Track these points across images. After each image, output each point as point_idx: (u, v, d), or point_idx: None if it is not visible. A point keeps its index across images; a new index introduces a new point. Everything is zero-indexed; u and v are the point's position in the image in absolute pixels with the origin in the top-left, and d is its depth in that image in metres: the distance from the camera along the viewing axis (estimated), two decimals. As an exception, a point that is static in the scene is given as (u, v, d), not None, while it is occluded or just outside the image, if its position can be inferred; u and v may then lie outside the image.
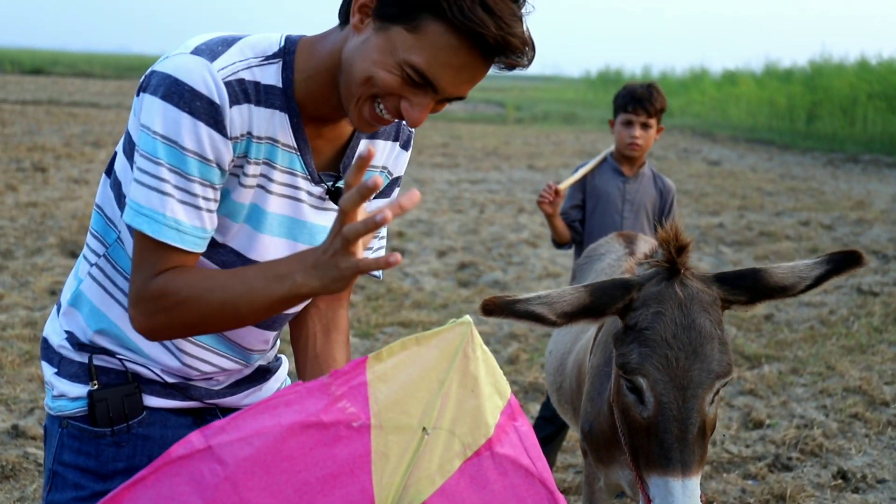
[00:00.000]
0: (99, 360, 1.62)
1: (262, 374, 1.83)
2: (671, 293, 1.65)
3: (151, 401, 1.64)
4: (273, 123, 1.50)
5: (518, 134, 21.14)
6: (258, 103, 1.47)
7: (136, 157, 1.43)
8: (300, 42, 1.53)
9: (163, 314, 1.45)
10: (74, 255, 7.07)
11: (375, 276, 1.79)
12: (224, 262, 1.56)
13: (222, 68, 1.43)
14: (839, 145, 18.59)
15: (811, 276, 1.71)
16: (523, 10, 1.39)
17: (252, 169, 1.50)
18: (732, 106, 25.85)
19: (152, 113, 1.41)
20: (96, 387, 1.60)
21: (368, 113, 1.46)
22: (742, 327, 5.77)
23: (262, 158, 1.51)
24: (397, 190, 1.79)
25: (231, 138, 1.44)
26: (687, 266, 1.70)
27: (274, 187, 1.54)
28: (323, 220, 1.62)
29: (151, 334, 1.50)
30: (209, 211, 1.46)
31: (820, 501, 3.49)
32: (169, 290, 1.44)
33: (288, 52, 1.52)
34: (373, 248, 1.81)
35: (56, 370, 1.65)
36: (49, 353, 1.67)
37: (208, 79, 1.41)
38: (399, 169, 1.74)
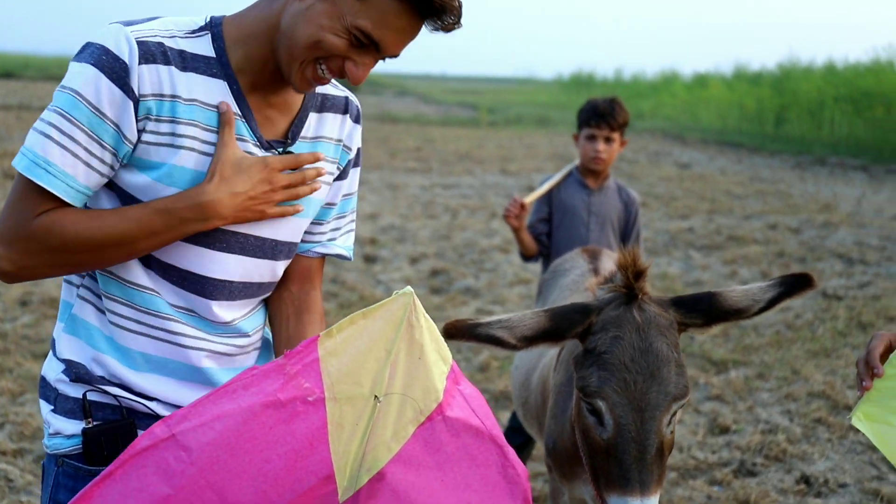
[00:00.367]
0: (94, 396, 1.61)
1: None
2: (629, 317, 1.70)
3: None
4: (211, 90, 1.55)
5: (491, 137, 21.23)
6: (186, 69, 1.53)
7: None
8: (225, 18, 1.62)
9: (47, 254, 1.48)
10: (45, 264, 7.04)
11: (346, 258, 1.84)
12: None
13: (137, 31, 1.50)
14: (807, 148, 18.84)
15: (764, 299, 1.76)
16: None
17: (186, 130, 1.54)
18: (703, 109, 26.11)
19: (67, 72, 1.50)
20: (91, 424, 1.59)
21: (311, 74, 1.53)
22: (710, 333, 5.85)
23: (197, 121, 1.54)
24: (357, 170, 1.84)
25: (140, 96, 1.48)
26: (644, 291, 1.76)
27: (213, 150, 1.57)
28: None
29: (24, 272, 1.51)
30: (88, 165, 1.49)
31: (783, 506, 3.57)
32: (54, 230, 1.47)
33: (214, 25, 1.59)
34: (341, 227, 1.84)
35: (52, 407, 1.64)
36: (46, 390, 1.66)
37: (120, 37, 1.48)
38: (355, 143, 1.80)
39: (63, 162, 1.46)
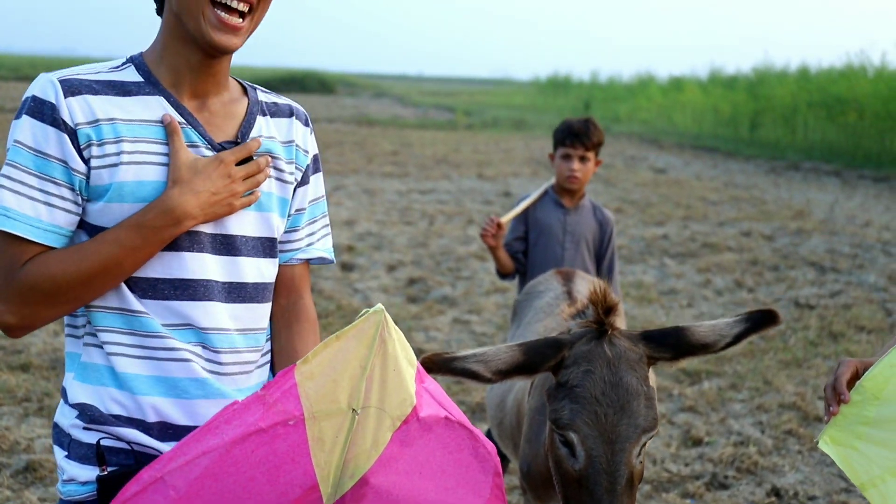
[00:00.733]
0: (108, 441, 1.63)
1: None
2: (600, 352, 1.76)
3: None
4: (150, 106, 1.63)
5: (468, 141, 21.29)
6: (118, 95, 1.62)
7: None
8: (142, 53, 1.72)
9: (41, 297, 1.54)
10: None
11: (328, 261, 1.90)
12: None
13: (61, 73, 1.60)
14: (781, 153, 19.05)
15: (731, 335, 1.82)
16: None
17: (131, 147, 1.60)
18: (678, 113, 26.31)
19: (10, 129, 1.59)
20: (105, 471, 1.61)
21: (212, 16, 1.60)
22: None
23: (142, 137, 1.61)
24: (320, 175, 1.89)
25: (75, 125, 1.56)
26: (614, 326, 1.81)
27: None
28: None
29: (26, 320, 1.57)
30: (49, 204, 1.56)
31: (754, 519, 3.63)
32: (42, 274, 1.53)
33: (135, 58, 1.70)
34: (316, 232, 1.89)
35: (66, 453, 1.66)
36: (60, 436, 1.68)
37: (45, 83, 1.57)
38: (311, 146, 1.86)
39: (20, 205, 1.54)
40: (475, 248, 8.68)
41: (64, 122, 1.55)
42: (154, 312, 1.64)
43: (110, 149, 1.58)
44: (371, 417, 1.55)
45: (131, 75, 1.65)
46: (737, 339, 1.83)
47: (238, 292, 1.71)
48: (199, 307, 1.66)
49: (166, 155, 1.62)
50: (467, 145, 19.98)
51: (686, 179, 14.99)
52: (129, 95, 1.62)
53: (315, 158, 1.87)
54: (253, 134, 1.73)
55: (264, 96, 1.82)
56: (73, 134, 1.55)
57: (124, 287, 1.63)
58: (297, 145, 1.81)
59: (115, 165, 1.58)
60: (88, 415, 1.64)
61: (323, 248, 1.89)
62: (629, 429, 1.70)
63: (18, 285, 1.54)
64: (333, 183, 12.56)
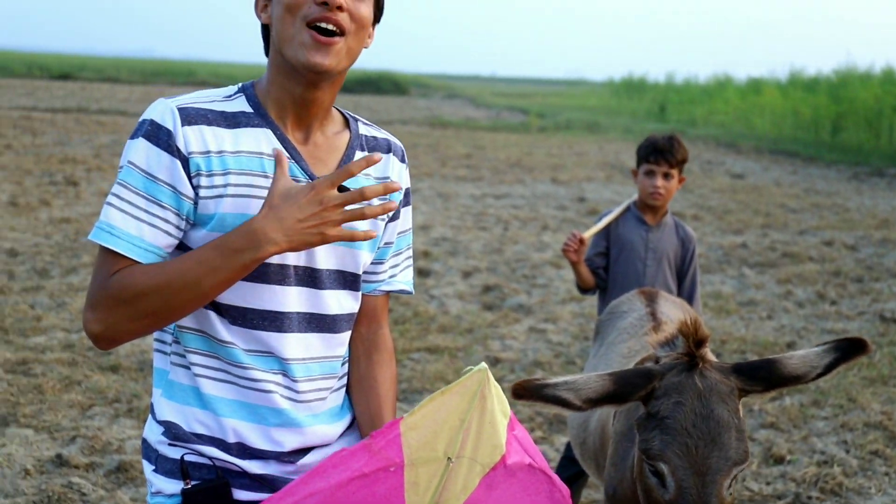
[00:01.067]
0: (191, 457, 1.72)
1: None
2: (691, 384, 1.77)
3: (241, 494, 1.74)
4: (257, 139, 1.69)
5: (541, 143, 21.23)
6: (230, 126, 1.68)
7: None
8: (253, 82, 1.78)
9: (123, 307, 1.59)
10: (108, 274, 7.24)
11: (408, 293, 1.96)
12: (256, 274, 1.70)
13: (178, 101, 1.67)
14: (864, 158, 18.55)
15: (821, 365, 1.81)
16: None
17: (237, 179, 1.66)
18: (756, 116, 25.80)
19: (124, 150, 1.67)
20: (189, 485, 1.70)
21: (307, 35, 1.64)
22: (764, 356, 5.84)
23: (248, 170, 1.67)
24: (409, 208, 1.94)
25: (188, 154, 1.62)
26: (706, 359, 1.81)
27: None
28: None
29: (110, 331, 1.61)
30: (153, 226, 1.62)
31: (838, 541, 3.57)
32: (126, 283, 1.59)
33: (246, 88, 1.76)
34: (399, 264, 1.94)
35: (154, 467, 1.75)
36: (148, 451, 1.78)
37: (163, 108, 1.64)
38: (406, 181, 1.91)
39: (125, 224, 1.61)
40: (550, 255, 8.67)
41: (178, 149, 1.62)
42: (240, 340, 1.71)
43: (218, 180, 1.64)
44: (464, 466, 1.65)
45: (242, 105, 1.72)
46: (827, 369, 1.82)
47: (319, 323, 1.78)
48: (283, 338, 1.73)
49: (266, 188, 1.68)
50: (540, 148, 19.92)
51: (765, 185, 14.72)
52: (239, 127, 1.68)
53: (407, 192, 1.92)
54: None
55: (365, 129, 1.86)
56: (185, 161, 1.62)
57: (213, 313, 1.70)
58: (392, 181, 1.83)
59: (221, 197, 1.65)
60: (173, 432, 1.74)
61: (404, 280, 1.95)
62: (720, 461, 1.71)
63: (105, 293, 1.61)
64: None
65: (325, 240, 1.61)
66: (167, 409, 1.75)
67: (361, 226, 1.77)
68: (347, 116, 1.86)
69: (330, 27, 1.64)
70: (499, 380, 5.17)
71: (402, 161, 1.90)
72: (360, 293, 1.85)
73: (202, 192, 1.65)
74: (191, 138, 1.63)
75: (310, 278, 1.75)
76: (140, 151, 1.62)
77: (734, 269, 8.38)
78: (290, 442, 1.76)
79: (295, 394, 1.76)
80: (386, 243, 1.89)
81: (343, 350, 1.85)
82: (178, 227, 1.66)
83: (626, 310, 2.92)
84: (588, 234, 3.60)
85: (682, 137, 5.68)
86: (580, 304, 6.96)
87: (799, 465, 4.21)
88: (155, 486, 1.76)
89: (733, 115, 27.32)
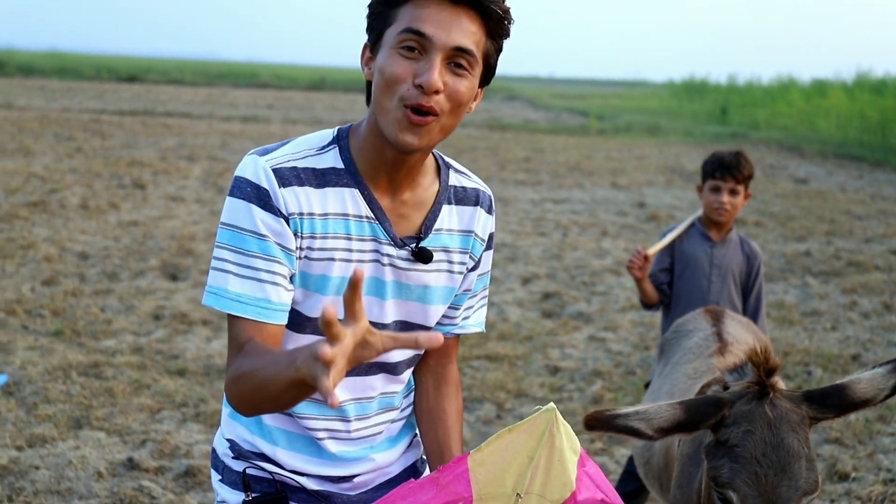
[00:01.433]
0: (252, 471, 1.82)
1: (411, 474, 1.98)
2: (761, 413, 1.78)
3: None
4: (343, 200, 1.69)
5: (600, 147, 21.11)
6: (320, 186, 1.68)
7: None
8: (350, 128, 1.76)
9: (234, 386, 1.61)
10: (175, 277, 7.43)
11: (479, 333, 1.98)
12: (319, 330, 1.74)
13: (271, 159, 1.66)
14: (934, 163, 18.10)
15: (888, 387, 1.82)
16: None
17: (321, 243, 1.68)
18: (821, 118, 25.31)
19: (223, 210, 1.67)
20: (250, 497, 1.80)
21: (403, 115, 1.60)
22: (829, 368, 5.76)
23: (332, 233, 1.68)
24: (490, 252, 1.93)
25: (287, 215, 1.64)
26: (776, 387, 1.82)
27: (353, 255, 1.71)
28: (411, 280, 1.78)
29: (234, 406, 1.63)
30: (274, 283, 1.64)
31: (905, 563, 3.52)
32: (239, 363, 1.62)
33: (341, 138, 1.73)
34: (474, 306, 1.96)
35: (220, 477, 1.87)
36: (216, 461, 1.89)
37: (258, 169, 1.64)
38: (490, 229, 1.90)
39: (248, 288, 1.62)
40: (610, 262, 8.64)
41: (279, 209, 1.63)
42: None
43: (304, 242, 1.67)
44: (532, 502, 1.67)
45: (333, 160, 1.71)
46: (894, 390, 1.82)
47: (380, 367, 1.83)
48: (344, 382, 1.78)
49: (350, 251, 1.70)
50: (600, 151, 19.82)
51: (829, 191, 14.45)
52: (328, 186, 1.68)
53: (490, 237, 1.90)
54: (437, 226, 1.77)
55: (455, 178, 1.84)
56: (286, 219, 1.65)
57: None
58: (475, 235, 1.86)
59: (306, 259, 1.68)
60: (237, 449, 1.83)
61: (476, 322, 1.97)
62: (790, 490, 1.72)
63: (229, 367, 1.63)
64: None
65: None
66: (231, 430, 1.86)
67: (434, 283, 1.80)
68: (440, 163, 1.84)
69: (426, 107, 1.60)
70: (558, 390, 5.21)
71: (490, 212, 1.89)
72: None
73: (306, 259, 1.69)
74: (288, 200, 1.64)
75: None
76: (242, 212, 1.63)
77: (797, 278, 8.26)
78: (345, 472, 1.84)
79: (349, 433, 1.82)
80: (464, 290, 1.90)
81: (402, 385, 1.89)
82: (292, 280, 1.68)
83: (692, 329, 2.92)
84: (652, 251, 3.60)
85: (744, 141, 5.51)
86: (640, 312, 6.93)
87: (864, 483, 4.15)
88: (220, 496, 1.86)
89: (797, 118, 26.83)
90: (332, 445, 1.81)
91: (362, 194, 1.71)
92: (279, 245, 1.65)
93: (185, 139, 18.01)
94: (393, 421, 1.90)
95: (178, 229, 9.24)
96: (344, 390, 1.78)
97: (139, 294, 6.88)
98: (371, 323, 1.74)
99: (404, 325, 1.81)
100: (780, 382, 1.86)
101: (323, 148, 1.72)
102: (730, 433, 1.78)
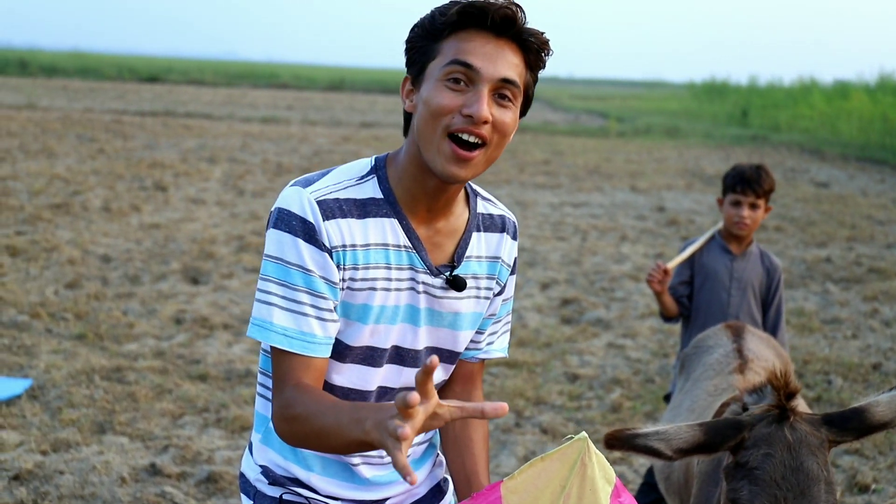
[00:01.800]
0: (289, 496, 1.83)
1: (436, 493, 2.01)
2: (780, 436, 1.79)
3: None
4: (383, 230, 1.72)
5: (620, 149, 21.07)
6: (360, 216, 1.70)
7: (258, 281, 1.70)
8: (388, 157, 1.78)
9: (286, 423, 1.64)
10: (196, 281, 7.49)
11: (502, 357, 2.00)
12: (364, 358, 1.77)
13: (315, 191, 1.68)
14: (957, 167, 17.95)
15: None
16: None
17: (363, 273, 1.71)
18: (843, 121, 25.15)
19: (267, 241, 1.69)
20: None
21: (449, 147, 1.63)
22: (849, 377, 5.75)
23: (373, 263, 1.71)
24: (514, 277, 1.96)
25: (331, 248, 1.66)
26: (796, 411, 1.83)
27: (392, 284, 1.74)
28: (443, 307, 1.81)
29: (285, 439, 1.67)
30: (319, 318, 1.66)
31: (925, 577, 3.52)
32: (291, 402, 1.64)
33: (379, 167, 1.76)
34: (498, 331, 1.99)
35: (252, 502, 1.88)
36: (246, 486, 1.90)
37: (303, 202, 1.66)
38: (512, 257, 1.93)
39: (294, 322, 1.65)
40: (629, 268, 8.64)
41: (323, 243, 1.66)
42: None
43: (347, 274, 1.70)
44: None
45: (373, 190, 1.73)
46: None
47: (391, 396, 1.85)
48: None
49: (390, 279, 1.73)
50: (619, 154, 19.79)
51: (851, 195, 14.37)
52: (369, 217, 1.71)
53: (514, 262, 1.94)
54: (468, 253, 1.81)
55: (482, 207, 1.88)
56: (329, 253, 1.67)
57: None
58: (502, 261, 1.89)
59: (349, 289, 1.71)
60: (271, 476, 1.84)
61: (500, 347, 2.00)
62: (809, 514, 1.73)
63: (279, 402, 1.66)
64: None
65: None
66: (264, 455, 1.87)
67: (465, 309, 1.83)
68: (469, 191, 1.87)
69: (472, 139, 1.63)
70: (577, 397, 5.23)
71: (514, 238, 1.92)
72: (454, 365, 1.91)
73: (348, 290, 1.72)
74: (332, 232, 1.66)
75: (412, 359, 1.82)
76: (288, 245, 1.65)
77: (817, 285, 8.23)
78: (377, 496, 1.88)
79: (381, 458, 1.85)
80: (490, 315, 1.93)
81: None
82: (336, 312, 1.71)
83: (712, 344, 2.93)
84: (672, 265, 3.62)
85: (765, 143, 5.49)
86: (659, 319, 6.92)
87: (884, 495, 4.15)
88: None
89: (818, 121, 26.68)
90: (366, 471, 1.84)
91: (401, 224, 1.73)
92: (324, 279, 1.67)
93: (206, 140, 18.13)
94: (419, 444, 1.94)
95: (199, 232, 9.31)
96: None
97: (161, 298, 6.94)
98: (404, 350, 1.78)
99: (434, 351, 1.84)
100: (800, 405, 1.87)
101: (362, 178, 1.75)
102: (749, 456, 1.80)
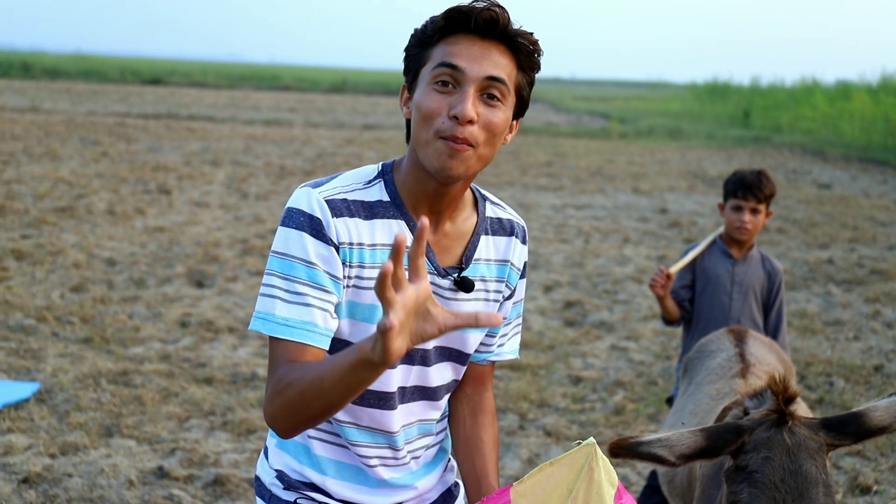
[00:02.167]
0: (304, 501, 1.87)
1: (447, 498, 2.05)
2: (780, 440, 1.83)
3: None
4: (390, 231, 1.76)
5: (622, 151, 21.11)
6: (368, 217, 1.74)
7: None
8: (394, 163, 1.83)
9: (278, 397, 1.64)
10: (201, 285, 7.53)
11: (513, 360, 2.03)
12: None
13: (324, 191, 1.73)
14: (959, 167, 17.97)
15: None
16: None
17: (370, 273, 1.74)
18: (845, 122, 25.17)
19: (275, 238, 1.74)
20: None
21: (440, 143, 1.66)
22: (851, 379, 5.78)
23: (380, 263, 1.74)
24: (524, 280, 1.99)
25: (338, 244, 1.70)
26: (794, 416, 1.87)
27: None
28: (450, 308, 1.84)
29: (274, 422, 1.65)
30: (322, 309, 1.69)
31: (926, 578, 3.55)
32: (283, 374, 1.65)
33: (386, 172, 1.80)
34: (508, 333, 2.02)
35: None
36: (262, 490, 1.94)
37: (312, 200, 1.71)
38: (522, 261, 1.96)
39: (297, 313, 1.68)
40: (632, 270, 8.68)
41: (331, 238, 1.70)
42: (355, 416, 1.83)
43: (353, 272, 1.73)
44: None
45: (379, 193, 1.77)
46: None
47: (422, 393, 1.89)
48: (392, 415, 1.84)
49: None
50: (622, 156, 19.82)
51: (853, 196, 14.39)
52: (376, 218, 1.75)
53: (524, 266, 1.97)
54: (476, 256, 1.85)
55: (491, 211, 1.91)
56: (337, 248, 1.71)
57: None
58: (511, 264, 1.93)
59: (353, 288, 1.74)
60: (286, 480, 1.88)
61: (510, 349, 2.03)
62: (807, 516, 1.77)
63: (271, 382, 1.67)
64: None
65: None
66: (279, 459, 1.91)
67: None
68: (477, 195, 1.91)
69: (462, 137, 1.66)
70: (581, 400, 5.26)
71: (524, 242, 1.96)
72: (464, 366, 1.94)
73: (353, 288, 1.76)
74: (340, 230, 1.71)
75: (421, 358, 1.85)
76: (294, 241, 1.69)
77: (819, 287, 8.26)
78: (391, 499, 1.91)
79: (396, 461, 1.89)
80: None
81: (439, 412, 1.95)
82: (336, 311, 1.74)
83: (715, 349, 2.97)
84: (675, 269, 3.66)
85: (767, 144, 5.51)
86: (661, 322, 6.95)
87: (886, 496, 4.18)
88: None
89: (820, 122, 26.70)
90: (383, 472, 1.87)
91: (408, 226, 1.77)
92: (328, 273, 1.70)
93: (209, 143, 18.18)
94: (428, 447, 1.97)
95: (204, 235, 9.35)
96: (399, 418, 1.85)
97: (166, 301, 6.98)
98: (414, 349, 1.81)
99: (444, 351, 1.88)
100: (799, 409, 1.91)
101: (369, 182, 1.79)
102: (749, 459, 1.84)
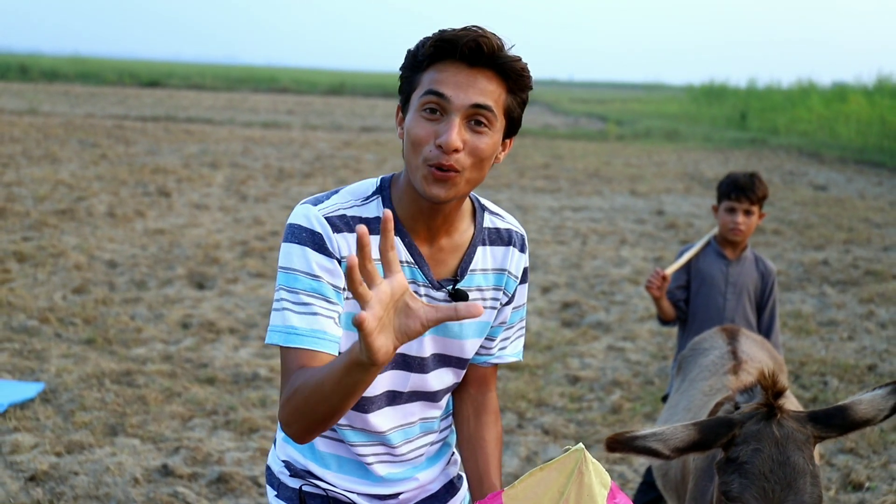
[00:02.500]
0: (308, 487, 1.96)
1: (449, 489, 2.12)
2: (769, 432, 1.91)
3: None
4: None
5: (619, 153, 21.20)
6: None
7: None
8: (392, 178, 1.88)
9: (288, 403, 1.70)
10: (202, 286, 7.60)
11: (517, 359, 2.08)
12: None
13: (323, 208, 1.79)
14: (954, 169, 18.07)
15: (887, 407, 1.94)
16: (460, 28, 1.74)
17: None
18: (841, 124, 25.28)
19: (280, 256, 1.80)
20: None
21: (428, 172, 1.70)
22: (845, 378, 5.85)
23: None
24: (525, 286, 2.04)
25: (339, 258, 1.77)
26: (783, 409, 1.95)
27: None
28: None
29: (288, 429, 1.71)
30: (327, 317, 1.75)
31: (916, 572, 3.62)
32: (293, 381, 1.71)
33: (383, 188, 1.86)
34: (510, 337, 2.07)
35: (276, 493, 2.01)
36: (271, 478, 2.04)
37: (311, 217, 1.77)
38: (524, 265, 2.01)
39: (304, 322, 1.73)
40: (628, 271, 8.75)
41: (332, 252, 1.76)
42: (348, 419, 1.90)
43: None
44: None
45: (376, 210, 1.83)
46: (893, 410, 1.94)
47: (420, 396, 1.96)
48: (376, 417, 1.91)
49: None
50: (619, 158, 19.91)
51: (848, 198, 14.49)
52: (372, 234, 1.79)
53: (524, 271, 2.01)
54: (472, 267, 1.90)
55: (489, 221, 1.95)
56: (339, 261, 1.77)
57: None
58: (508, 272, 1.97)
59: (354, 301, 1.75)
60: (291, 469, 1.98)
61: (513, 352, 2.08)
62: (794, 504, 1.85)
63: (283, 390, 1.73)
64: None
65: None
66: (286, 451, 2.01)
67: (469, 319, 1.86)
68: (476, 206, 1.94)
69: (447, 164, 1.69)
70: (578, 399, 5.34)
71: (522, 250, 1.99)
72: (464, 370, 2.00)
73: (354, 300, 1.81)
74: (340, 244, 1.77)
75: (418, 365, 1.91)
76: (297, 256, 1.75)
77: (814, 287, 8.34)
78: (391, 491, 1.99)
79: (393, 458, 1.97)
80: (500, 323, 2.01)
81: (440, 410, 2.02)
82: (338, 322, 1.80)
83: (708, 347, 3.05)
84: (670, 271, 3.73)
85: (763, 146, 5.58)
86: (657, 322, 7.02)
87: (878, 493, 4.25)
88: None
89: (817, 124, 26.81)
90: (380, 469, 1.95)
91: (403, 241, 1.83)
92: (332, 285, 1.77)
93: (208, 145, 18.25)
94: (432, 443, 2.04)
95: (203, 237, 9.42)
96: (388, 419, 1.92)
97: (167, 303, 7.05)
98: (410, 356, 1.88)
99: (442, 358, 1.94)
100: (787, 403, 1.98)
101: (367, 198, 1.85)
102: (740, 451, 1.91)
